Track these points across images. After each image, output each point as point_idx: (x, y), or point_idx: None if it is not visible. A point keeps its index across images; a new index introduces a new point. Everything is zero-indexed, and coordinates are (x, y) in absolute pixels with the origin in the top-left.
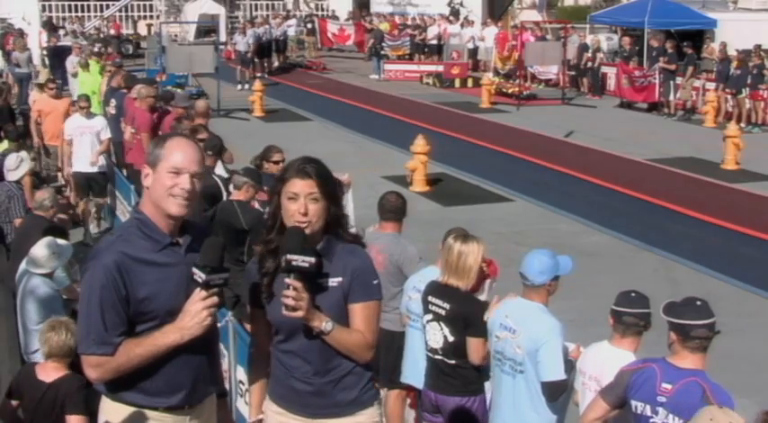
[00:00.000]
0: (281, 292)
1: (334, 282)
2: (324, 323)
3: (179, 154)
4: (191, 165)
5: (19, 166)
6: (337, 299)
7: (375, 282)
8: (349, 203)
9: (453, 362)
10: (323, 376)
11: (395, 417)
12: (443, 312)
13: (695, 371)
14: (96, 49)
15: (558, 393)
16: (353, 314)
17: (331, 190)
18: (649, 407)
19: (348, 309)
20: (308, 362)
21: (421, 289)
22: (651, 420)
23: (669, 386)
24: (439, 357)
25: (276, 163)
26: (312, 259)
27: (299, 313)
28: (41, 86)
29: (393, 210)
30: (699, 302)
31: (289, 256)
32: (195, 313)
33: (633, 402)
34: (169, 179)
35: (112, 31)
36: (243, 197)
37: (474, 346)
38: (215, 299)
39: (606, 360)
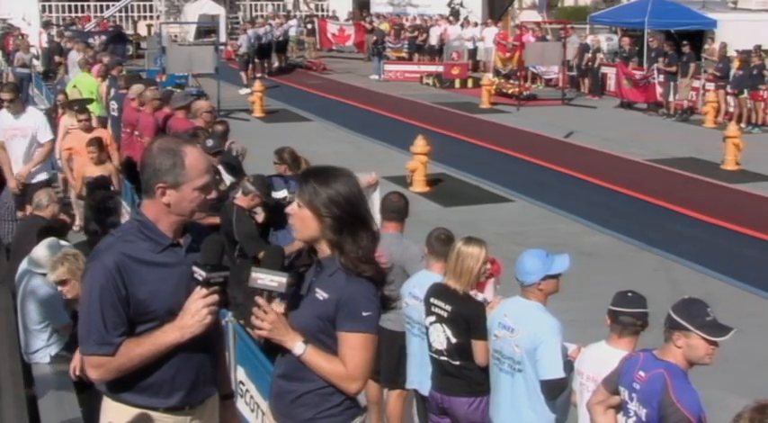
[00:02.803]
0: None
1: (321, 295)
2: (296, 344)
3: (204, 172)
4: (211, 176)
5: None
6: (319, 313)
7: (366, 314)
8: (375, 204)
9: (458, 363)
10: (288, 385)
11: (395, 417)
12: (445, 314)
13: (668, 364)
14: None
15: (556, 392)
16: (339, 342)
17: (316, 205)
18: (627, 392)
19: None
20: (282, 366)
21: (417, 294)
22: (628, 406)
23: (643, 374)
24: (444, 358)
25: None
26: (283, 279)
27: (262, 333)
28: (68, 106)
29: (395, 210)
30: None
31: (254, 275)
32: (195, 311)
33: (619, 387)
34: (196, 195)
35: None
36: (245, 204)
37: (480, 349)
38: (215, 297)
39: (603, 360)
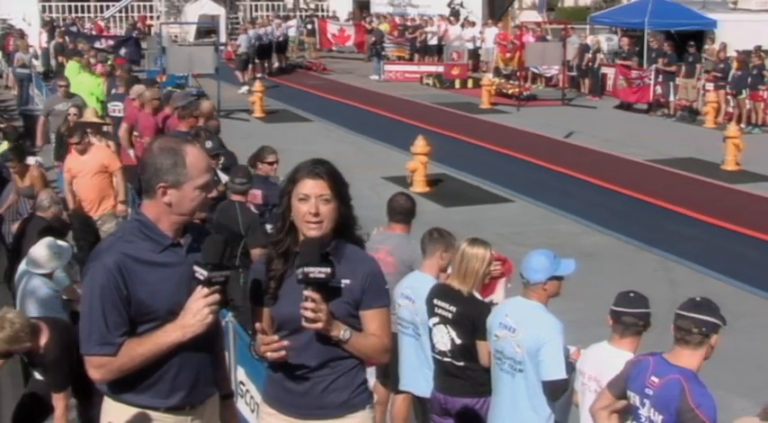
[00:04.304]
0: (289, 291)
1: (341, 284)
2: (342, 332)
3: (205, 171)
4: (211, 175)
5: None
6: (344, 301)
7: (386, 287)
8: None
9: (462, 364)
10: (317, 375)
11: (400, 419)
12: (450, 315)
13: (683, 369)
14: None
15: (559, 393)
16: (368, 319)
17: (342, 191)
18: (638, 398)
19: (362, 314)
20: (307, 359)
21: (409, 296)
22: (639, 411)
23: (657, 380)
24: (447, 359)
25: (270, 164)
26: (328, 269)
27: (319, 325)
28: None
29: (402, 211)
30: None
31: (305, 269)
32: (197, 311)
33: (628, 392)
34: (197, 194)
35: (94, 32)
36: (243, 199)
37: (485, 350)
38: (216, 296)
39: (605, 360)
